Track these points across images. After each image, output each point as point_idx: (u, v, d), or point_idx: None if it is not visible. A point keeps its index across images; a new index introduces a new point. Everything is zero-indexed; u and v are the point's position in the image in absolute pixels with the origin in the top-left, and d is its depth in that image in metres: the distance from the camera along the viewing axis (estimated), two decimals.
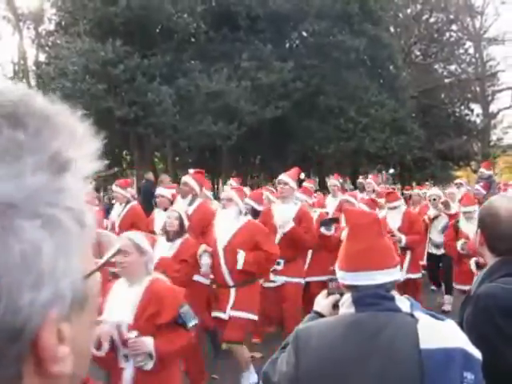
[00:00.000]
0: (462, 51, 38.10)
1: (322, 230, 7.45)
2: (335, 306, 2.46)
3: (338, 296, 2.48)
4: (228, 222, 6.30)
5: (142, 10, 21.11)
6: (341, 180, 12.81)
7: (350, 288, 2.26)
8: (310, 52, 25.69)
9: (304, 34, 27.22)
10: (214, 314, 6.30)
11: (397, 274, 2.26)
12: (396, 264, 2.27)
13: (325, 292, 2.59)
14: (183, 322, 3.96)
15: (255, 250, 6.14)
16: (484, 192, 11.15)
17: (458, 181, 14.60)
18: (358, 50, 25.58)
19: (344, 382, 2.09)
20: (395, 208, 8.52)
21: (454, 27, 37.84)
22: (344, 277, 2.30)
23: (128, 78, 20.99)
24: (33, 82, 29.27)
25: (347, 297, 2.26)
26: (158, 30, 23.29)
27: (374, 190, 12.15)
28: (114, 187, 9.53)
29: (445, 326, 2.08)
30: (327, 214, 9.34)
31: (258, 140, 25.83)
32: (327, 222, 7.65)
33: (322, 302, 2.55)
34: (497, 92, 39.77)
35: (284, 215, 7.33)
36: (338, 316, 2.29)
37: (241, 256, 6.05)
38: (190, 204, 7.59)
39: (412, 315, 2.13)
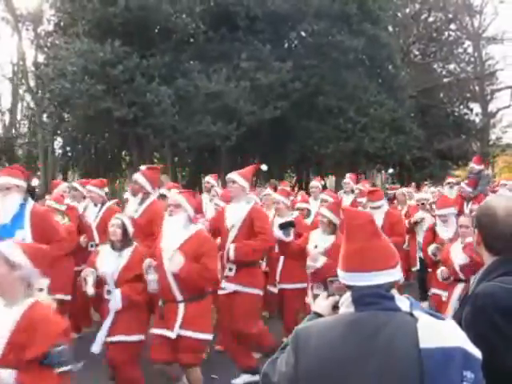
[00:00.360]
0: (460, 50, 38.08)
1: (280, 234, 6.62)
2: (335, 308, 2.45)
3: (337, 297, 2.46)
4: (176, 231, 5.62)
5: (141, 10, 21.13)
6: (322, 182, 12.35)
7: (350, 287, 2.27)
8: (309, 52, 25.68)
9: (303, 34, 27.20)
10: (157, 331, 5.64)
11: (396, 275, 2.24)
12: (395, 264, 2.25)
13: (325, 293, 2.58)
14: (50, 363, 3.16)
15: (198, 262, 5.50)
16: (469, 189, 10.84)
17: (449, 180, 14.02)
18: (357, 49, 25.57)
19: (344, 382, 2.09)
20: (378, 208, 8.19)
21: (452, 26, 37.85)
22: (343, 276, 2.30)
23: (127, 79, 21.02)
24: (32, 83, 29.32)
25: (347, 296, 2.26)
26: (156, 31, 23.31)
27: (352, 191, 11.76)
28: (89, 187, 8.89)
29: (445, 325, 2.08)
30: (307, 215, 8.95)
31: (257, 140, 25.83)
32: (284, 225, 6.78)
33: (321, 303, 2.54)
34: (496, 91, 39.74)
35: (234, 216, 6.72)
36: (338, 315, 2.29)
37: (178, 259, 5.41)
38: (141, 203, 7.26)
39: (412, 314, 2.13)
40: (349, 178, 12.21)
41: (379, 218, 7.94)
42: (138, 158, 24.95)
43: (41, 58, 28.81)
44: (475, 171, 11.92)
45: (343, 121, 25.76)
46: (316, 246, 6.20)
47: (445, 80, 37.48)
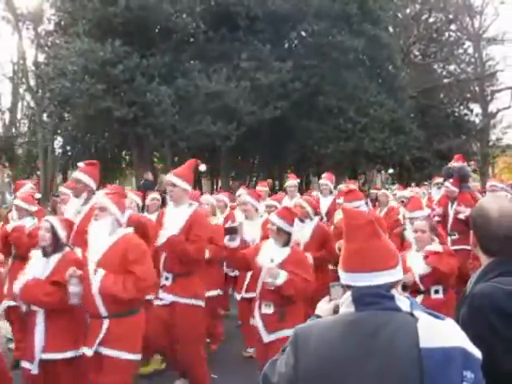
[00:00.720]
0: (461, 51, 38.05)
1: (225, 240, 6.07)
2: (336, 312, 2.46)
3: (339, 301, 2.47)
4: (101, 237, 5.10)
5: (141, 10, 21.13)
6: (298, 181, 11.66)
7: (350, 287, 2.27)
8: (309, 52, 25.66)
9: (303, 34, 27.18)
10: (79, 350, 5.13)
11: (396, 275, 2.24)
12: (394, 265, 2.25)
13: (327, 298, 2.59)
14: None
15: (126, 271, 4.97)
16: (455, 189, 10.30)
17: (438, 180, 13.57)
18: (357, 50, 25.56)
19: (343, 382, 2.09)
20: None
21: (453, 27, 37.82)
22: (343, 276, 2.31)
23: (127, 78, 21.02)
24: (32, 82, 29.34)
25: (347, 296, 2.26)
26: (157, 30, 23.31)
27: (331, 191, 11.05)
28: (62, 189, 8.42)
29: (445, 325, 2.09)
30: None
31: (257, 140, 25.82)
32: (229, 230, 6.20)
33: (323, 307, 2.55)
34: (496, 92, 39.67)
35: (173, 221, 6.25)
36: (338, 315, 2.29)
37: (98, 275, 4.92)
38: (85, 203, 6.66)
39: (412, 314, 2.13)
40: (326, 179, 11.37)
41: None
42: (138, 157, 24.97)
43: (41, 58, 28.86)
44: (456, 169, 11.61)
45: (343, 121, 25.74)
46: (272, 260, 5.49)
47: (445, 80, 37.46)
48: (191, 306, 6.10)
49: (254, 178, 34.44)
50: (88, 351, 4.97)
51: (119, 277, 4.89)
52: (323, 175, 11.75)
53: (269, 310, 5.49)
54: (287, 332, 5.15)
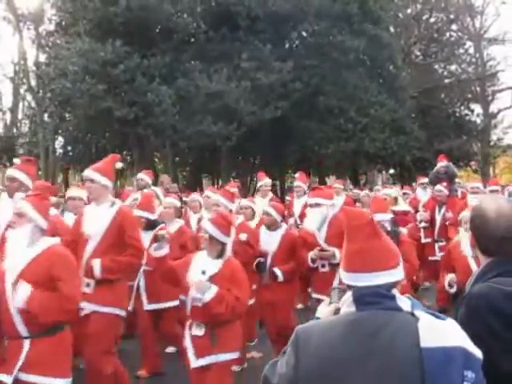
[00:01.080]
0: (462, 51, 38.03)
1: (151, 249, 5.30)
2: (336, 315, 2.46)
3: (339, 304, 2.47)
4: (21, 248, 4.37)
5: (142, 10, 21.16)
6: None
7: (350, 287, 2.27)
8: (310, 52, 25.65)
9: (303, 34, 27.18)
10: None
11: (397, 275, 2.24)
12: (395, 265, 2.24)
13: (327, 301, 2.58)
14: None
15: (51, 288, 4.29)
16: (446, 192, 10.14)
17: (423, 180, 13.55)
18: (358, 50, 25.55)
19: (344, 382, 2.09)
20: (318, 205, 6.77)
21: (454, 27, 37.80)
22: (344, 276, 2.31)
23: (128, 79, 21.04)
24: (33, 83, 29.34)
25: (348, 296, 2.27)
26: (157, 31, 23.34)
27: (305, 192, 10.44)
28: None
29: (446, 325, 2.09)
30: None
31: (257, 140, 25.81)
32: (157, 237, 5.45)
33: (323, 310, 2.53)
34: (497, 92, 39.67)
35: (94, 222, 5.62)
36: (339, 315, 2.29)
37: (22, 291, 4.22)
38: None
39: (413, 314, 2.13)
40: (299, 180, 10.83)
41: (318, 218, 6.74)
42: (139, 157, 24.99)
43: (42, 58, 28.88)
44: (442, 171, 11.36)
45: (344, 121, 25.72)
46: (204, 272, 4.89)
47: (446, 81, 37.42)
48: (107, 315, 5.49)
49: (255, 179, 34.44)
50: (7, 379, 4.21)
51: (44, 295, 4.25)
52: (296, 175, 11.37)
53: (199, 331, 4.94)
54: (222, 357, 4.90)
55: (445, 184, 10.38)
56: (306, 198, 9.26)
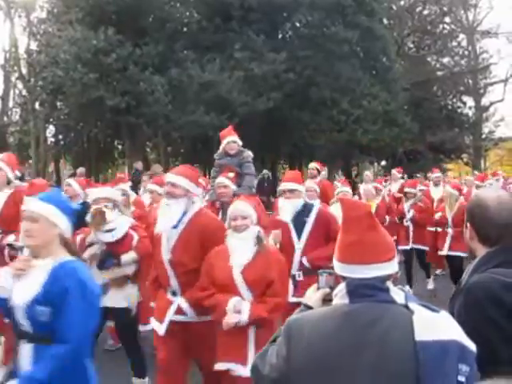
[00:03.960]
0: (455, 44, 38.08)
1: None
2: (325, 300, 2.44)
3: (327, 290, 2.46)
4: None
5: None
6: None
7: (344, 278, 2.25)
8: (303, 43, 25.61)
9: (297, 25, 27.16)
10: None
11: (391, 268, 2.22)
12: (390, 258, 2.22)
13: (315, 286, 2.56)
14: None
15: None
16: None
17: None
18: (351, 41, 25.52)
19: (337, 374, 2.08)
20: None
21: (447, 20, 37.84)
22: (337, 266, 2.28)
23: (120, 68, 20.96)
24: (24, 70, 29.18)
25: (341, 287, 2.24)
26: (150, 20, 23.25)
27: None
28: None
29: (440, 318, 2.09)
30: None
31: (249, 131, 25.71)
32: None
33: (312, 296, 2.52)
34: (489, 85, 39.78)
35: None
36: (332, 306, 2.27)
37: None
38: None
39: (407, 307, 2.13)
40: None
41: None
42: (131, 147, 24.92)
43: (33, 46, 28.74)
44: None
45: (336, 112, 25.71)
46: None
47: (438, 73, 37.49)
48: None
49: None
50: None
51: None
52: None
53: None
54: None
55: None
56: None
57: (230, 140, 7.73)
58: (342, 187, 8.59)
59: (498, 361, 2.33)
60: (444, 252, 9.61)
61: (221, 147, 7.85)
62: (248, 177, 7.46)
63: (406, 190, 10.71)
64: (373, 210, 7.49)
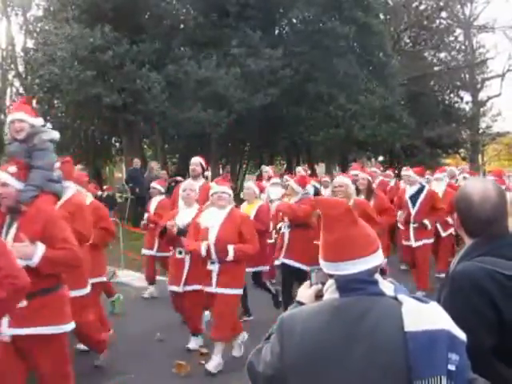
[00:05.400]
0: (451, 38, 38.08)
1: None
2: (318, 297, 2.46)
3: (320, 286, 2.48)
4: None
5: None
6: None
7: (332, 276, 2.29)
8: (300, 39, 25.58)
9: (293, 20, 27.09)
10: None
11: (376, 260, 2.25)
12: (374, 250, 2.25)
13: (307, 282, 2.59)
14: None
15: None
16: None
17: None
18: (348, 37, 25.48)
19: (330, 367, 2.11)
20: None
21: (443, 14, 37.84)
22: (324, 265, 2.32)
23: (117, 65, 20.91)
24: (21, 68, 29.13)
25: (331, 283, 2.28)
26: (146, 16, 23.19)
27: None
28: None
29: (429, 309, 2.11)
30: None
31: (247, 127, 25.76)
32: None
33: (304, 293, 2.55)
34: (486, 80, 39.81)
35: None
36: (323, 301, 2.30)
37: None
38: None
39: (396, 298, 2.16)
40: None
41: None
42: (128, 144, 24.90)
43: (30, 44, 28.64)
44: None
45: (333, 108, 25.69)
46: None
47: (435, 68, 37.50)
48: None
49: (245, 165, 34.42)
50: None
51: None
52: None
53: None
54: None
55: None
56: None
57: (15, 118, 5.48)
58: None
59: (483, 349, 2.37)
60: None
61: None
62: (35, 172, 5.02)
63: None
64: (252, 211, 8.48)
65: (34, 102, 27.02)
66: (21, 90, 30.59)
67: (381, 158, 34.21)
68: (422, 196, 10.17)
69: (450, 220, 10.52)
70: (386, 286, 2.22)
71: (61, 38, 21.17)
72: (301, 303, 2.50)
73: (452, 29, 38.11)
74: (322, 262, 2.32)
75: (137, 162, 20.64)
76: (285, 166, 32.75)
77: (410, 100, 31.74)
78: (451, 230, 11.04)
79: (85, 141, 29.76)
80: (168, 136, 26.21)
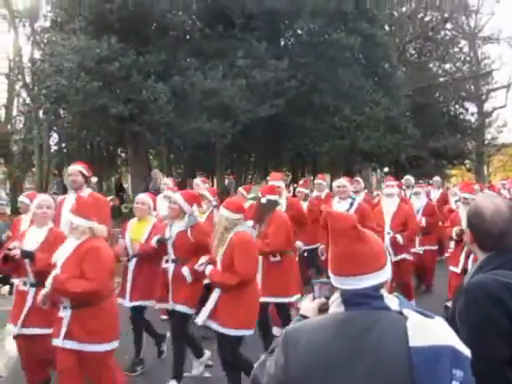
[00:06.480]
0: (456, 50, 38.13)
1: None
2: (321, 310, 2.46)
3: (323, 299, 2.48)
4: None
5: (138, 7, 21.09)
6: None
7: (338, 288, 2.29)
8: (305, 50, 25.64)
9: (299, 32, 27.18)
10: None
11: (383, 276, 2.24)
12: (381, 266, 2.24)
13: (311, 295, 2.58)
14: None
15: None
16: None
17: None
18: (353, 48, 25.53)
19: (334, 381, 2.11)
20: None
21: (448, 26, 37.90)
22: (331, 278, 2.32)
23: (123, 76, 20.98)
24: (28, 79, 29.25)
25: (336, 296, 2.28)
26: (153, 28, 23.29)
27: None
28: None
29: (434, 324, 2.11)
30: None
31: (252, 138, 25.80)
32: None
33: (308, 306, 2.54)
34: (491, 91, 39.82)
35: None
36: (328, 315, 2.30)
37: None
38: None
39: (401, 313, 2.15)
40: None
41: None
42: (134, 155, 24.95)
43: (37, 54, 28.75)
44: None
45: (338, 119, 25.70)
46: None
47: (440, 79, 37.54)
48: None
49: (250, 176, 34.46)
50: None
51: None
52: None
53: None
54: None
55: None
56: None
57: None
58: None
59: (497, 359, 2.39)
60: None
61: None
62: None
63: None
64: (145, 231, 7.05)
65: (41, 112, 27.21)
66: (28, 101, 30.74)
67: (386, 169, 34.20)
68: (352, 212, 8.39)
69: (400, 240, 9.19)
70: (392, 300, 2.22)
71: (68, 49, 21.27)
72: (304, 316, 2.49)
73: (457, 40, 38.18)
74: (330, 274, 2.32)
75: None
76: (290, 176, 32.73)
77: (415, 111, 31.75)
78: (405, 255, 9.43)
79: (91, 151, 29.85)
80: (174, 146, 26.26)
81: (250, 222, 6.26)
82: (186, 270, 6.27)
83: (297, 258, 8.36)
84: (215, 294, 5.77)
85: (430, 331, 2.07)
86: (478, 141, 36.99)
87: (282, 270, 7.19)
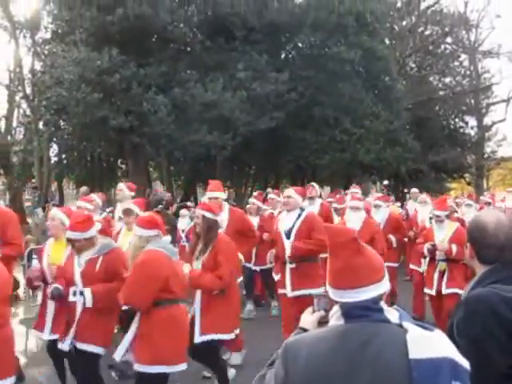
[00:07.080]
0: (456, 64, 38.22)
1: None
2: (321, 323, 2.47)
3: (323, 313, 2.50)
4: None
5: (139, 19, 21.19)
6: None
7: (337, 302, 2.29)
8: (306, 63, 25.74)
9: (299, 45, 27.32)
10: None
11: (382, 288, 2.26)
12: (380, 278, 2.26)
13: (310, 309, 2.60)
14: None
15: None
16: None
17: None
18: (353, 61, 25.63)
19: None
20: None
21: (449, 40, 37.98)
22: (330, 291, 2.32)
23: (123, 87, 21.05)
24: (28, 90, 29.32)
25: (336, 309, 2.28)
26: (153, 40, 23.39)
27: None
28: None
29: (433, 336, 2.11)
30: None
31: (252, 150, 25.83)
32: None
33: (307, 319, 2.55)
34: (491, 104, 39.91)
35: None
36: (327, 328, 2.30)
37: None
38: None
39: (401, 326, 2.15)
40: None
41: None
42: (134, 166, 24.95)
43: (38, 66, 28.85)
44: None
45: (339, 132, 25.75)
46: None
47: (440, 93, 37.57)
48: None
49: (250, 188, 34.41)
50: None
51: None
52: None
53: None
54: None
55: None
56: None
57: None
58: None
59: (496, 372, 2.37)
60: None
61: None
62: None
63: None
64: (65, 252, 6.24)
65: (41, 123, 27.24)
66: (28, 112, 30.80)
67: (386, 182, 34.21)
68: (298, 224, 7.74)
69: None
70: (391, 313, 2.22)
71: (68, 61, 21.34)
72: (304, 329, 2.49)
73: (457, 54, 38.28)
74: (328, 287, 2.33)
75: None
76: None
77: (415, 124, 31.77)
78: None
79: (91, 162, 29.86)
80: (174, 158, 26.27)
81: (168, 238, 5.50)
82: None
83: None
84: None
85: (430, 344, 2.07)
86: (477, 154, 37.04)
87: (225, 303, 6.33)
